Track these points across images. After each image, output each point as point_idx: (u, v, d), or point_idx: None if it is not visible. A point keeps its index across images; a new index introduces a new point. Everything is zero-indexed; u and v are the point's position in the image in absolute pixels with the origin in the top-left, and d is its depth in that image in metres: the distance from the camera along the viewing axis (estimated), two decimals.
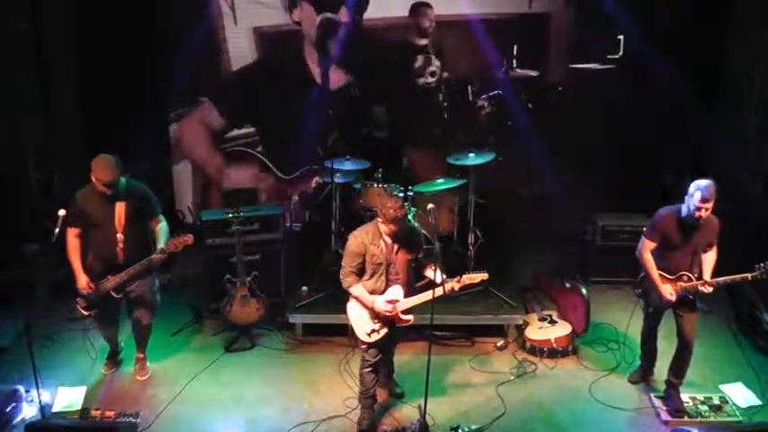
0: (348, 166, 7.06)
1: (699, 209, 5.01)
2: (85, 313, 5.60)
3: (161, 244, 5.43)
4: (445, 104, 8.37)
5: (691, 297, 5.33)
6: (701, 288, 5.25)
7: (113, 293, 5.52)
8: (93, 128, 7.63)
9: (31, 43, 7.25)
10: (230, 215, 6.35)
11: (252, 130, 8.54)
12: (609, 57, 8.13)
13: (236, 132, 8.54)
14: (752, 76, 7.45)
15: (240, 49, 8.25)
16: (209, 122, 8.49)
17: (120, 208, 5.38)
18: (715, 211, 5.15)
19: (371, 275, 5.11)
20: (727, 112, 7.84)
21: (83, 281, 5.47)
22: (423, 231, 5.38)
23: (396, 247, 5.09)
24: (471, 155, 6.88)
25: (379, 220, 5.02)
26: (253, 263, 6.59)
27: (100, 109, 7.62)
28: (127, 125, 7.28)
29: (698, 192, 5.00)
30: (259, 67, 8.29)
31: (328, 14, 7.99)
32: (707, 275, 5.26)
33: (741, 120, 7.64)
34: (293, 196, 8.48)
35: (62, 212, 5.23)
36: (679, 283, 5.28)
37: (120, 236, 5.40)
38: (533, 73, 8.24)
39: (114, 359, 6.12)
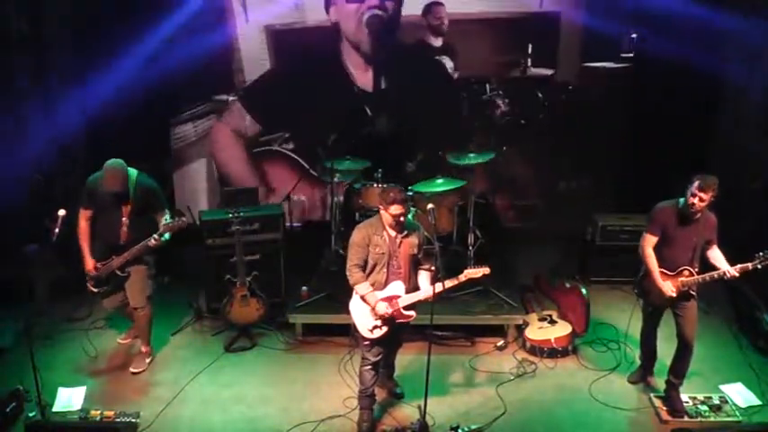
0: (348, 166, 7.06)
1: (694, 195, 5.05)
2: (95, 290, 5.83)
3: (161, 231, 5.64)
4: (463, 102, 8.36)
5: (692, 292, 5.34)
6: (701, 279, 5.26)
7: (118, 272, 5.73)
8: (94, 128, 7.63)
9: (31, 43, 7.24)
10: (230, 215, 6.35)
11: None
12: (622, 55, 8.12)
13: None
14: (752, 75, 7.46)
15: (253, 50, 8.28)
16: (241, 127, 8.55)
17: (128, 199, 5.62)
18: (714, 209, 5.19)
19: (373, 267, 5.12)
20: (729, 112, 7.85)
21: (90, 263, 5.73)
22: (423, 231, 5.37)
23: (399, 239, 5.10)
24: (471, 155, 6.88)
25: (381, 208, 5.03)
26: (253, 263, 6.60)
27: (100, 109, 7.61)
28: (127, 125, 7.28)
29: (697, 180, 5.05)
30: (287, 69, 8.32)
31: (376, 11, 7.93)
32: (728, 268, 5.19)
33: (742, 119, 7.64)
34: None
35: (62, 212, 5.31)
36: (680, 279, 5.29)
37: (125, 220, 5.64)
38: (548, 72, 8.24)
39: (131, 332, 6.42)
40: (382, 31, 8.05)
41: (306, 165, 8.62)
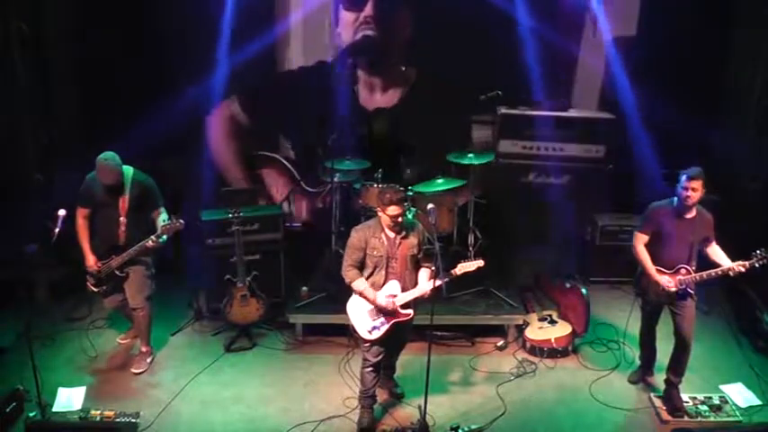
0: (348, 165, 7.06)
1: (686, 188, 5.10)
2: (95, 289, 5.85)
3: (158, 232, 5.64)
4: None
5: (690, 290, 5.34)
6: (698, 277, 5.27)
7: (117, 272, 5.75)
8: (94, 127, 7.63)
9: (31, 43, 7.24)
10: (230, 215, 6.35)
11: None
12: None
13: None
14: (752, 76, 7.47)
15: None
16: (236, 115, 8.48)
17: (124, 197, 5.64)
18: (712, 207, 5.25)
19: (372, 270, 5.12)
20: (728, 112, 7.85)
21: (91, 260, 5.74)
22: (422, 230, 5.36)
23: (398, 240, 5.09)
24: (471, 155, 6.88)
25: (379, 209, 5.03)
26: (253, 263, 6.60)
27: (101, 108, 7.62)
28: (128, 124, 7.28)
29: (683, 174, 5.12)
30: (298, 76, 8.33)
31: (368, 31, 8.09)
32: (732, 264, 5.20)
33: (741, 120, 7.64)
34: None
35: (62, 212, 5.32)
36: (677, 277, 5.29)
37: (123, 219, 5.64)
38: None
39: (131, 332, 6.44)
40: (373, 53, 8.15)
41: (297, 176, 8.64)
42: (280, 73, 8.31)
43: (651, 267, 5.33)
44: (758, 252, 5.10)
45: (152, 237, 5.59)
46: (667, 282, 5.29)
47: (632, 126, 7.70)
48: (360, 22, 8.10)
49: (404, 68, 8.32)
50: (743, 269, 5.14)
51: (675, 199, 5.23)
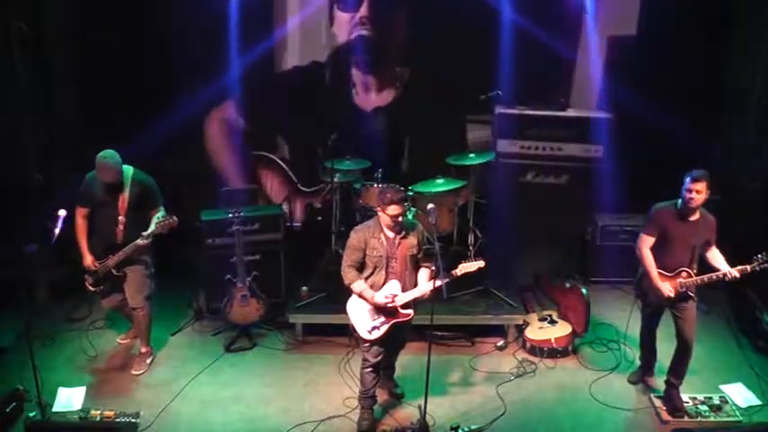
0: (348, 165, 7.06)
1: (689, 191, 5.08)
2: (93, 289, 5.84)
3: (149, 230, 5.61)
4: None
5: (690, 293, 5.34)
6: (699, 281, 5.26)
7: (114, 272, 5.74)
8: (94, 127, 7.63)
9: (31, 43, 7.24)
10: (230, 215, 6.35)
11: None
12: None
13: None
14: (752, 76, 7.47)
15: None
16: (233, 115, 8.49)
17: (123, 195, 5.63)
18: (712, 207, 5.23)
19: (372, 270, 5.12)
20: (728, 112, 7.85)
21: (88, 259, 5.74)
22: (422, 230, 5.36)
23: (397, 240, 5.09)
24: (471, 155, 6.88)
25: (379, 209, 5.02)
26: (253, 263, 6.60)
27: (100, 108, 7.62)
28: (128, 124, 7.29)
29: (687, 176, 5.10)
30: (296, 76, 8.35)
31: (364, 31, 8.11)
32: (728, 269, 5.20)
33: (741, 120, 7.65)
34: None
35: (62, 212, 5.32)
36: (678, 280, 5.29)
37: (122, 218, 5.63)
38: None
39: (131, 332, 6.43)
40: (368, 53, 8.16)
41: (294, 178, 8.65)
42: (275, 74, 8.32)
43: (654, 272, 5.31)
44: (759, 256, 5.08)
45: (143, 234, 5.56)
46: (668, 291, 5.28)
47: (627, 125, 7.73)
48: (355, 23, 8.11)
49: (398, 68, 8.33)
50: (738, 275, 5.14)
51: (679, 201, 5.21)
